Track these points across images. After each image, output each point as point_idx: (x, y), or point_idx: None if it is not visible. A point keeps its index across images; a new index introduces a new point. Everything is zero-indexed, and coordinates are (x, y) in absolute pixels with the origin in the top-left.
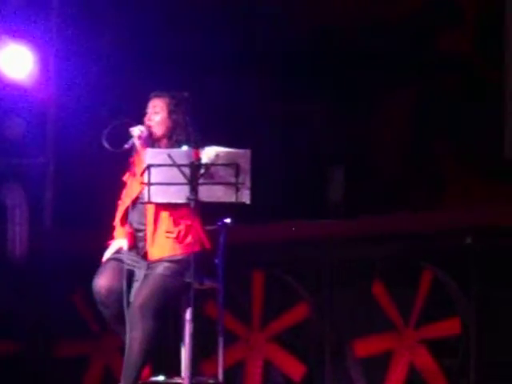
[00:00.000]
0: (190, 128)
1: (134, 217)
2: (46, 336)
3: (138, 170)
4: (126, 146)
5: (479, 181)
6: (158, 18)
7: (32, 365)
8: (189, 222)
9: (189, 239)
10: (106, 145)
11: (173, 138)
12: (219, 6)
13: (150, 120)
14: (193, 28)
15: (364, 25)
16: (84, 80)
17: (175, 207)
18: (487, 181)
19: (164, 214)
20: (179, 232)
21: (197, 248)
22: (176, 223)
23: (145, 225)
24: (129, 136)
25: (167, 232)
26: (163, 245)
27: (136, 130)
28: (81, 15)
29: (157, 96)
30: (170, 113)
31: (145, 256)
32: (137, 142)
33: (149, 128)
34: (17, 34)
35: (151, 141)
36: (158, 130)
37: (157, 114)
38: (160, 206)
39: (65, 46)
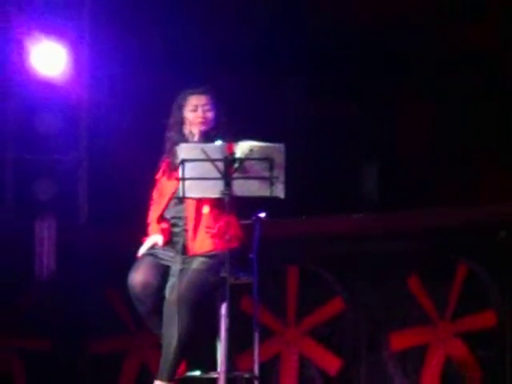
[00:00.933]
0: (223, 122)
1: (170, 213)
2: (82, 333)
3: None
4: None
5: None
6: (190, 15)
7: (68, 362)
8: (228, 218)
9: (228, 235)
10: None
11: (210, 133)
12: (246, 4)
13: (204, 118)
14: (223, 26)
15: (388, 24)
16: (117, 77)
17: (215, 203)
18: None
19: (205, 210)
20: (219, 228)
21: (235, 243)
22: (216, 219)
23: (183, 219)
24: None
25: (208, 227)
26: (204, 240)
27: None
28: (114, 13)
29: (203, 92)
30: (216, 109)
31: (181, 251)
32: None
33: (204, 125)
34: (50, 31)
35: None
36: (209, 127)
37: (209, 111)
38: (201, 202)
39: (98, 43)
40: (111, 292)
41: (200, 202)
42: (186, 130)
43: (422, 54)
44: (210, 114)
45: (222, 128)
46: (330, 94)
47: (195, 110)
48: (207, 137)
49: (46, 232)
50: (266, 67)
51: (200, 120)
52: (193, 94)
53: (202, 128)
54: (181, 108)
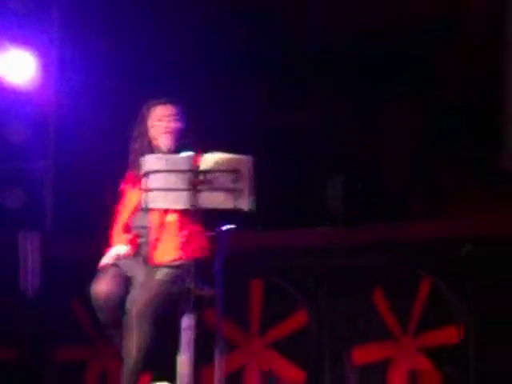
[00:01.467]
0: (189, 133)
1: (135, 224)
2: (44, 341)
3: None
4: None
5: (478, 190)
6: (159, 23)
7: (30, 370)
8: (192, 228)
9: (192, 245)
10: None
11: (176, 143)
12: (227, 7)
13: (168, 127)
14: (196, 32)
15: (368, 31)
16: (85, 85)
17: (180, 213)
18: (486, 190)
19: (169, 220)
20: (184, 237)
21: (199, 254)
22: (181, 228)
23: (147, 231)
24: None
25: (172, 237)
26: (167, 249)
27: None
28: (82, 21)
29: (173, 102)
30: (183, 120)
31: (146, 261)
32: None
33: (171, 135)
34: (18, 39)
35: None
36: (174, 138)
37: (174, 121)
38: (165, 212)
39: (66, 51)
40: (74, 301)
41: (164, 211)
42: (151, 141)
43: (392, 69)
44: (174, 125)
45: (189, 139)
46: (297, 103)
47: (160, 120)
48: (174, 148)
49: (29, 247)
50: (233, 78)
51: (164, 130)
52: (157, 104)
53: (167, 138)
54: (145, 119)
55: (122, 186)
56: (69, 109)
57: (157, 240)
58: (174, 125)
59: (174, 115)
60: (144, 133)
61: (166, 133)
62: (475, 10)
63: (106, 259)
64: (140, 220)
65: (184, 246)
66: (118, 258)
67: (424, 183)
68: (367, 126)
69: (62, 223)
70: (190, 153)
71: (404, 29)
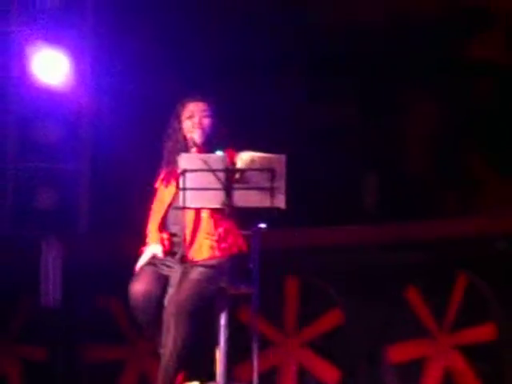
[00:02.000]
0: (223, 131)
1: (169, 222)
2: (81, 342)
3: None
4: None
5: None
6: (193, 21)
7: (66, 371)
8: (227, 226)
9: (227, 243)
10: None
11: (209, 141)
12: (249, 8)
13: (200, 124)
14: (230, 30)
15: (392, 28)
16: (119, 85)
17: (214, 210)
18: None
19: (204, 217)
20: (219, 234)
21: (235, 251)
22: (216, 226)
23: (182, 229)
24: None
25: (207, 234)
26: (203, 247)
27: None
28: (116, 20)
29: (203, 99)
30: (216, 117)
31: (181, 260)
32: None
33: (203, 131)
34: (52, 39)
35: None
36: (206, 135)
37: (207, 117)
38: (200, 209)
39: (100, 51)
40: (112, 301)
41: (199, 210)
42: (184, 138)
43: (426, 61)
44: (206, 121)
45: (222, 137)
46: (332, 103)
47: (192, 117)
48: (206, 145)
49: (51, 256)
50: (268, 75)
51: (197, 126)
52: (190, 101)
53: (199, 133)
54: (178, 116)
55: (156, 184)
56: (103, 109)
57: (192, 239)
58: (205, 120)
59: (205, 111)
60: (178, 130)
61: (198, 128)
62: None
63: (143, 260)
64: (175, 218)
65: (219, 244)
66: (154, 257)
67: (458, 179)
68: (400, 123)
69: (97, 224)
70: (224, 152)
71: (424, 22)
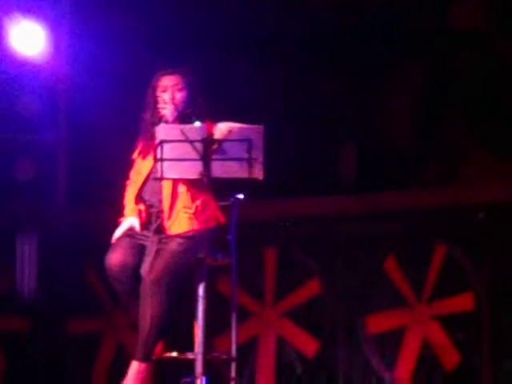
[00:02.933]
0: (198, 102)
1: (146, 193)
2: (58, 313)
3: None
4: None
5: (493, 157)
6: None
7: (44, 342)
8: (205, 198)
9: (205, 214)
10: None
11: (183, 113)
12: None
13: (173, 98)
14: (208, 4)
15: (373, 2)
16: (96, 56)
17: (192, 183)
18: (501, 157)
19: (181, 189)
20: (197, 207)
21: (213, 223)
22: (193, 198)
23: (159, 200)
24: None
25: (185, 207)
26: (181, 220)
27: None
28: None
29: (174, 72)
30: (189, 89)
31: (157, 231)
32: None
33: (175, 106)
34: (29, 11)
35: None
36: (179, 108)
37: (180, 90)
38: (177, 181)
39: (78, 23)
40: (88, 272)
41: (176, 181)
42: (160, 110)
43: (406, 31)
44: (179, 95)
45: (199, 108)
46: (308, 73)
47: (165, 91)
48: (182, 118)
49: (27, 249)
50: (245, 47)
51: (169, 102)
52: (164, 74)
53: (174, 108)
54: (154, 89)
55: (134, 155)
56: (80, 79)
57: (170, 212)
58: (177, 94)
59: (177, 84)
60: (153, 103)
61: (171, 103)
62: None
63: (119, 231)
64: (152, 190)
65: (197, 216)
66: (131, 229)
67: (438, 150)
68: (379, 93)
69: (74, 195)
70: (202, 123)
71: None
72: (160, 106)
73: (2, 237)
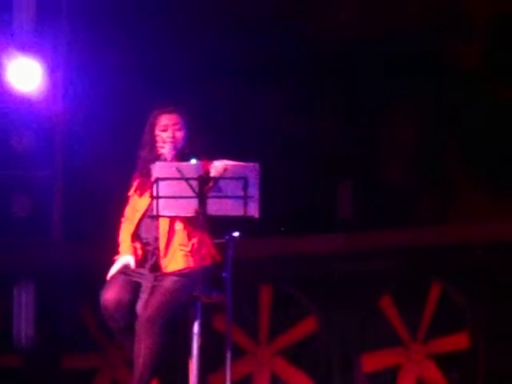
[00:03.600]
0: (195, 140)
1: (142, 231)
2: (53, 349)
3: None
4: None
5: (488, 195)
6: (167, 30)
7: (39, 378)
8: (201, 236)
9: (201, 252)
10: None
11: (182, 152)
12: (227, 11)
13: (173, 137)
14: (205, 36)
15: (369, 34)
16: (92, 93)
17: (188, 220)
18: (496, 195)
19: (178, 227)
20: (193, 245)
21: (208, 261)
22: (190, 236)
23: (155, 238)
24: None
25: (181, 245)
26: (177, 258)
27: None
28: (89, 29)
29: (174, 111)
30: (188, 127)
31: (152, 268)
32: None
33: (174, 145)
34: (26, 47)
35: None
36: (180, 147)
37: (179, 130)
38: (174, 219)
39: (74, 60)
40: (83, 309)
41: (173, 219)
42: (158, 148)
43: (403, 68)
44: (179, 134)
45: (195, 146)
46: (305, 111)
47: (165, 130)
48: (179, 156)
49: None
50: (241, 84)
51: (170, 140)
52: (163, 113)
53: (173, 147)
54: (152, 127)
55: (130, 192)
56: (76, 116)
57: (166, 250)
58: (178, 133)
59: (177, 124)
60: (151, 140)
61: (170, 142)
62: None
63: (114, 269)
64: (148, 228)
65: (193, 254)
66: (126, 267)
67: (434, 188)
68: (376, 131)
69: (70, 231)
70: (198, 161)
71: (403, 31)
72: (159, 144)
73: None
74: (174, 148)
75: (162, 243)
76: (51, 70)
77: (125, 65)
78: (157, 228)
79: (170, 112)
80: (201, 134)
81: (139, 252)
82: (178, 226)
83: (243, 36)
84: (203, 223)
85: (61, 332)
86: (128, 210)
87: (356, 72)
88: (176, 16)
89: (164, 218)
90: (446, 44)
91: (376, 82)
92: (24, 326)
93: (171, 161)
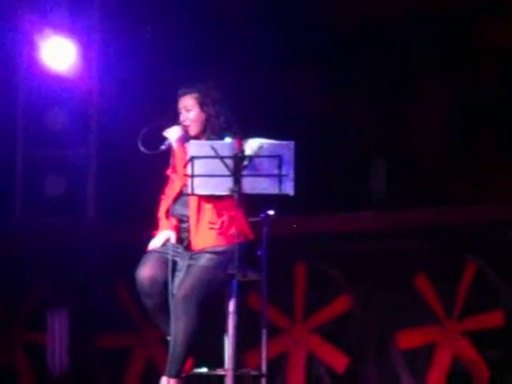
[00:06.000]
0: (223, 116)
1: (176, 209)
2: (89, 328)
3: (179, 165)
4: (163, 147)
5: None
6: (201, 10)
7: (75, 357)
8: (232, 214)
9: (232, 230)
10: (141, 148)
11: (207, 129)
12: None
13: (184, 120)
14: (234, 20)
15: (402, 16)
16: (125, 71)
17: (218, 198)
18: None
19: (207, 205)
20: (222, 223)
21: (240, 239)
22: (219, 214)
23: (187, 216)
24: (164, 137)
25: (210, 223)
26: (207, 235)
27: (172, 132)
28: (122, 7)
29: (184, 93)
30: (202, 107)
31: (188, 247)
32: (174, 144)
33: (186, 128)
34: (59, 27)
35: (189, 138)
36: (195, 128)
37: (189, 111)
38: (203, 197)
39: (108, 39)
40: (120, 287)
41: (202, 197)
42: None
43: (434, 50)
44: (189, 115)
45: (231, 125)
46: (338, 90)
47: (180, 113)
48: (207, 134)
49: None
50: (276, 63)
51: (183, 123)
52: (178, 96)
53: (189, 129)
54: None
55: (168, 171)
56: (110, 95)
57: (196, 225)
58: (187, 116)
59: (186, 106)
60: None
61: (183, 125)
62: None
63: (155, 243)
64: (181, 206)
65: (223, 231)
66: (166, 242)
67: (470, 167)
68: (409, 109)
69: (104, 210)
70: (233, 139)
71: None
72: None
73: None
74: (191, 129)
75: (192, 221)
76: (84, 49)
77: (159, 44)
78: (189, 206)
79: (180, 95)
80: (234, 112)
81: (176, 229)
82: (207, 203)
83: (279, 21)
84: (237, 201)
85: (97, 311)
86: (168, 188)
87: (392, 54)
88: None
89: (194, 197)
90: (480, 30)
91: (406, 63)
92: (58, 357)
93: (194, 139)
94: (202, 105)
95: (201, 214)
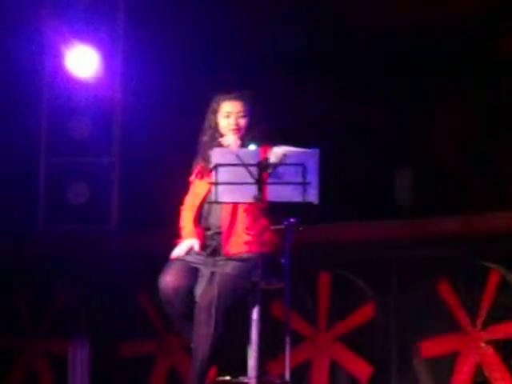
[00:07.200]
0: (257, 127)
1: (203, 215)
2: (112, 336)
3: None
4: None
5: None
6: (225, 17)
7: (97, 365)
8: (264, 222)
9: (264, 238)
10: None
11: (247, 137)
12: (284, 4)
13: (236, 125)
14: (258, 27)
15: (424, 26)
16: (149, 79)
17: (253, 206)
18: None
19: (242, 211)
20: (257, 230)
21: (269, 248)
22: (254, 221)
23: (216, 222)
24: None
25: (247, 229)
26: (238, 243)
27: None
28: (147, 16)
29: (237, 98)
30: (253, 114)
31: (211, 253)
32: None
33: (234, 132)
34: (83, 35)
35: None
36: (242, 134)
37: (242, 117)
38: (237, 205)
39: (130, 46)
40: (141, 295)
41: (236, 205)
42: (220, 134)
43: (457, 56)
44: (242, 121)
45: (257, 132)
46: (364, 98)
47: (228, 117)
48: (242, 143)
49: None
50: (302, 70)
51: (233, 127)
52: (226, 99)
53: (235, 135)
54: (214, 113)
55: (191, 177)
56: (134, 103)
57: (229, 231)
58: (241, 121)
59: (241, 112)
60: (213, 126)
61: (234, 130)
62: None
63: (178, 251)
64: (208, 212)
65: (256, 239)
66: (190, 250)
67: (494, 175)
68: (433, 118)
69: (127, 218)
70: (257, 147)
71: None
72: (221, 131)
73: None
74: (237, 135)
75: (224, 226)
76: (108, 57)
77: (182, 51)
78: (220, 212)
79: (233, 99)
80: (262, 120)
81: (201, 236)
82: (242, 210)
83: (303, 26)
84: (265, 210)
85: (119, 319)
86: (189, 197)
87: (418, 62)
88: (237, 4)
89: (227, 204)
90: (500, 36)
91: (437, 73)
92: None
93: (233, 147)
94: (253, 112)
95: (235, 219)
